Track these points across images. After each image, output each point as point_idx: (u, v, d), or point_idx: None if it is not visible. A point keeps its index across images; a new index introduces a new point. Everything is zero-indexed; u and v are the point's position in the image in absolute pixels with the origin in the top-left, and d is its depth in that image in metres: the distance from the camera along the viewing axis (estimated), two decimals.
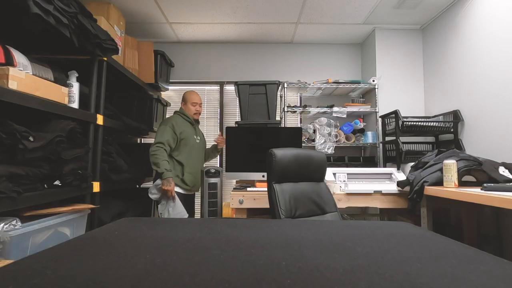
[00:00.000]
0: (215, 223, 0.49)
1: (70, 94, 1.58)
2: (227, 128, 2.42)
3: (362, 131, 3.11)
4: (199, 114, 2.37)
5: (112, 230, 0.42)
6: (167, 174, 2.04)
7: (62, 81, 1.56)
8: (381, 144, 2.88)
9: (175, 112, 2.37)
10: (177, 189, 2.14)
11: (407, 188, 2.04)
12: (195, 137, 2.30)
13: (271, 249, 0.31)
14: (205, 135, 2.63)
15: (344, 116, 2.96)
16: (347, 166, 2.84)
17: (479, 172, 1.80)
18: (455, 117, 2.40)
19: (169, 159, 2.15)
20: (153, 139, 3.09)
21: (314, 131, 2.98)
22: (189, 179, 2.21)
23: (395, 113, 2.49)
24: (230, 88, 3.35)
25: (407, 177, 2.09)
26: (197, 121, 2.40)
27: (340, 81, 3.01)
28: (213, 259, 0.28)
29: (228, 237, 0.38)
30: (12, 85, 1.17)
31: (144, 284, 0.22)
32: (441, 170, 1.85)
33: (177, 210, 2.06)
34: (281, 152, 1.49)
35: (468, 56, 2.34)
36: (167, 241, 0.35)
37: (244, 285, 0.22)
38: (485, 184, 1.55)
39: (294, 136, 2.45)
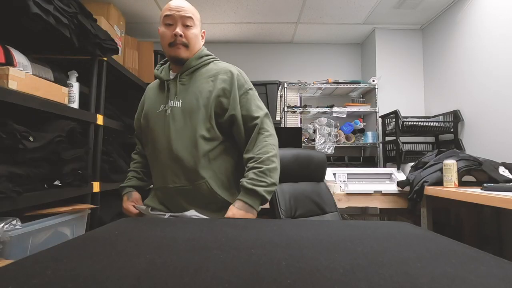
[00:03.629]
0: (215, 223, 0.49)
1: (70, 94, 1.58)
2: None
3: (362, 131, 3.11)
4: (183, 44, 1.09)
5: (112, 230, 0.42)
6: (121, 190, 1.25)
7: (62, 81, 1.56)
8: (381, 144, 2.88)
9: None
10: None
11: (407, 188, 2.04)
12: (161, 107, 1.12)
13: (271, 249, 0.31)
14: None
15: (344, 116, 2.96)
16: (347, 166, 2.84)
17: (479, 172, 1.80)
18: (455, 117, 2.40)
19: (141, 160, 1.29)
20: None
21: (314, 131, 2.98)
22: (156, 180, 1.16)
23: (395, 113, 2.50)
24: None
25: (407, 177, 2.09)
26: (179, 60, 1.11)
27: (340, 81, 3.01)
28: (213, 259, 0.28)
29: (228, 237, 0.38)
30: (12, 85, 1.17)
31: (144, 283, 0.22)
32: (441, 170, 1.85)
33: None
34: (281, 152, 1.49)
35: (468, 56, 2.34)
36: (167, 241, 0.35)
37: (244, 285, 0.22)
38: (485, 184, 1.55)
39: (294, 136, 2.45)
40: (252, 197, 0.99)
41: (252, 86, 1.13)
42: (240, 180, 1.02)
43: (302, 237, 0.38)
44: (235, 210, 0.97)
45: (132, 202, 1.17)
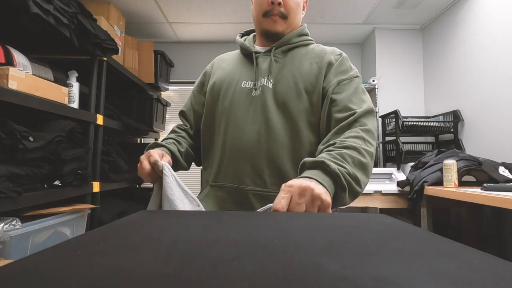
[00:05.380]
0: (230, 216, 0.49)
1: (70, 94, 1.58)
2: None
3: None
4: (281, 15, 0.89)
5: (125, 225, 0.42)
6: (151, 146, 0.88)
7: (62, 81, 1.56)
8: (381, 144, 2.88)
9: None
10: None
11: (407, 188, 2.04)
12: (246, 84, 0.90)
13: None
14: None
15: None
16: None
17: (479, 172, 1.80)
18: (455, 117, 2.40)
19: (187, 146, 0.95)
20: (153, 139, 3.10)
21: None
22: (219, 176, 0.87)
23: (395, 113, 2.50)
24: None
25: (407, 177, 2.09)
26: (273, 35, 0.91)
27: None
28: (227, 256, 0.28)
29: (241, 233, 0.38)
30: (12, 85, 1.17)
31: (155, 281, 0.22)
32: (441, 170, 1.85)
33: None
34: None
35: (468, 56, 2.34)
36: (182, 235, 0.36)
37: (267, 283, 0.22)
38: (485, 184, 1.55)
39: None
40: (317, 171, 0.64)
41: (359, 75, 0.90)
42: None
43: (291, 230, 0.39)
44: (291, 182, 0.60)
45: (161, 158, 0.78)
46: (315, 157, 0.73)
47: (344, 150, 0.70)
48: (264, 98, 0.85)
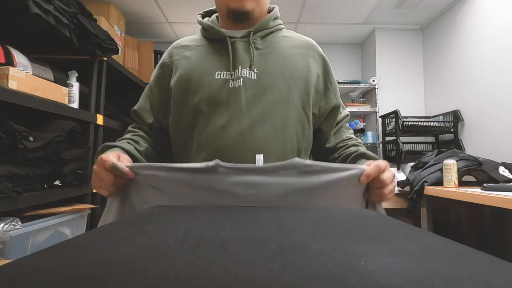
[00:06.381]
0: (244, 213, 0.50)
1: (70, 94, 1.58)
2: None
3: (362, 131, 3.11)
4: None
5: (127, 224, 0.42)
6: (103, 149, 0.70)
7: (62, 81, 1.56)
8: (381, 144, 2.88)
9: None
10: None
11: (407, 188, 2.04)
12: (221, 75, 0.76)
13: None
14: None
15: None
16: None
17: (479, 172, 1.79)
18: (455, 117, 2.40)
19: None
20: None
21: None
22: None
23: (395, 113, 2.50)
24: None
25: (407, 177, 2.09)
26: (243, 14, 0.77)
27: (340, 81, 3.01)
28: (236, 255, 0.29)
29: (255, 230, 0.39)
30: (12, 85, 1.17)
31: (164, 275, 0.22)
32: (441, 170, 1.85)
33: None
34: None
35: (468, 56, 2.34)
36: (194, 231, 0.36)
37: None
38: (485, 184, 1.55)
39: None
40: (373, 159, 0.72)
41: None
42: (345, 151, 0.78)
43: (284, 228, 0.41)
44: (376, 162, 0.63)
45: (122, 160, 0.64)
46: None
47: (358, 141, 0.84)
48: (246, 90, 0.73)
